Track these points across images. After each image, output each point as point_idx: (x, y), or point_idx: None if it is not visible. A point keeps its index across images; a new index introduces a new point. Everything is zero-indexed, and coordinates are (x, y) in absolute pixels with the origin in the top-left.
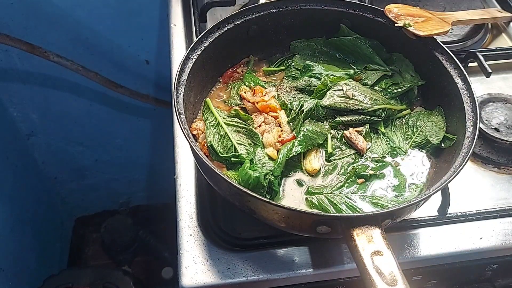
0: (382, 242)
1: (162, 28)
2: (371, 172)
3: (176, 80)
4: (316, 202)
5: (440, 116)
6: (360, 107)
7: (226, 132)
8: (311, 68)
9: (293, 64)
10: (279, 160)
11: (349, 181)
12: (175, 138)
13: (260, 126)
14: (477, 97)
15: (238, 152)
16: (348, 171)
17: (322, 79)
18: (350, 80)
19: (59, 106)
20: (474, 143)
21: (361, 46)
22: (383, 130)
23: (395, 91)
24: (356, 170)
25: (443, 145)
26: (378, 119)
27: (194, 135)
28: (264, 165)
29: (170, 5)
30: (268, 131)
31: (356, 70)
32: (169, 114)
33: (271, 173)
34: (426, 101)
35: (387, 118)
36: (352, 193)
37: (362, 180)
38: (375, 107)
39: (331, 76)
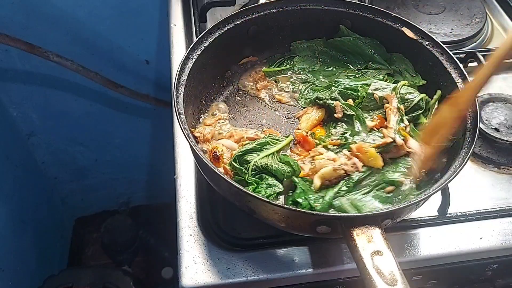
0: (382, 242)
1: (162, 28)
2: None
3: (176, 80)
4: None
5: None
6: None
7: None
8: (338, 82)
9: (293, 65)
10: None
11: None
12: (175, 138)
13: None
14: (477, 97)
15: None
16: None
17: (359, 92)
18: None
19: (59, 106)
20: (474, 143)
21: (362, 46)
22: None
23: None
24: None
25: None
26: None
27: (195, 137)
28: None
29: (170, 5)
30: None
31: (356, 69)
32: (169, 114)
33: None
34: None
35: None
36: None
37: None
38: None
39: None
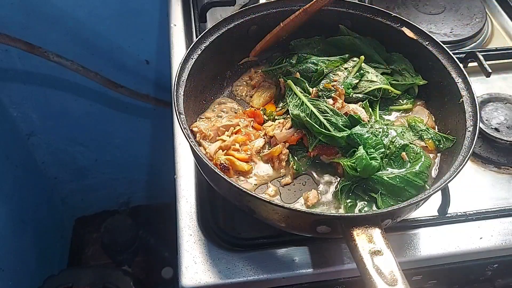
0: (382, 242)
1: (162, 28)
2: None
3: (176, 80)
4: None
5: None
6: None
7: (312, 111)
8: (305, 57)
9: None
10: None
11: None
12: (175, 138)
13: None
14: (477, 97)
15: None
16: None
17: (319, 66)
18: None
19: (59, 106)
20: (474, 143)
21: (361, 45)
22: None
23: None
24: None
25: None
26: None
27: (193, 132)
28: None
29: (170, 5)
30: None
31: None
32: (169, 114)
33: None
34: (426, 101)
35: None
36: None
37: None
38: (372, 87)
39: (327, 62)
